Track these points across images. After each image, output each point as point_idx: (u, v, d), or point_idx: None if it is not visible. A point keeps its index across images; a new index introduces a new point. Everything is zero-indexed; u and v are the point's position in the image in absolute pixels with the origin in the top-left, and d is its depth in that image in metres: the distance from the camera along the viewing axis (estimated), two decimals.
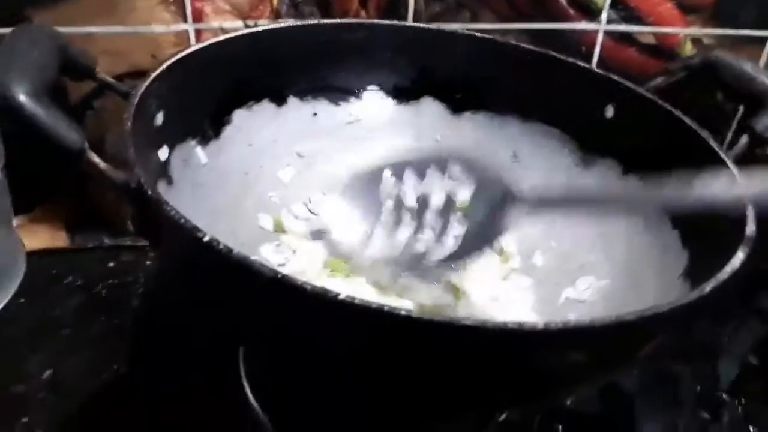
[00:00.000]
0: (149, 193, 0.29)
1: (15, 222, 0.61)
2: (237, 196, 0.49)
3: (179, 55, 0.42)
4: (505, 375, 0.28)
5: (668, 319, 0.27)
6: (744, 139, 0.42)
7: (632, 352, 0.30)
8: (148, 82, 0.39)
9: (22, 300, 0.53)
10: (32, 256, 0.57)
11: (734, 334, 0.56)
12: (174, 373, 0.48)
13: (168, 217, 0.28)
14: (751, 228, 0.33)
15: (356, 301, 0.25)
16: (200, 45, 0.45)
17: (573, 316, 0.44)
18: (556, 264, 0.49)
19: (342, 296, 0.25)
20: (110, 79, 0.39)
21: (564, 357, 0.27)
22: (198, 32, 0.60)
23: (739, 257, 0.31)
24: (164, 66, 0.41)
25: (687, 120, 0.44)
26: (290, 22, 0.55)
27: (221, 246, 0.27)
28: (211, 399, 0.45)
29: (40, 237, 0.62)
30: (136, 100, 0.36)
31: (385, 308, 0.25)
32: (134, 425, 0.45)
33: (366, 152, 0.56)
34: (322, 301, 0.25)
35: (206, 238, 0.27)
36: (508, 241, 0.51)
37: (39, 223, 0.64)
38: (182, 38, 0.59)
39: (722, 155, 0.40)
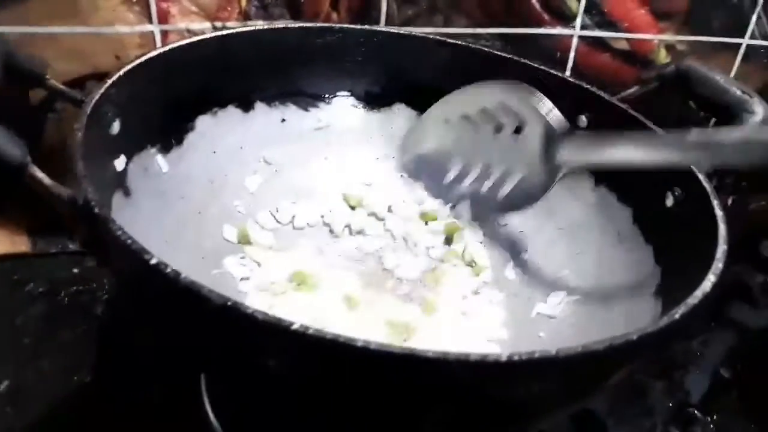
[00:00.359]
0: (96, 210, 0.28)
1: None
2: (201, 206, 0.47)
3: (137, 61, 0.40)
4: (468, 405, 0.26)
5: (638, 346, 0.26)
6: None
7: (601, 380, 0.29)
8: (103, 89, 0.37)
9: None
10: None
11: (706, 346, 0.55)
12: (138, 384, 0.46)
13: (114, 237, 0.27)
14: (722, 249, 0.32)
15: (310, 332, 0.23)
16: (160, 49, 0.43)
17: (544, 334, 0.43)
18: (529, 277, 0.48)
19: (295, 326, 0.23)
20: (61, 86, 0.37)
21: (529, 387, 0.26)
22: (164, 33, 0.58)
23: (710, 280, 0.30)
24: (121, 72, 0.39)
25: (660, 132, 0.43)
26: (257, 25, 0.53)
27: (168, 270, 0.25)
28: (171, 417, 0.44)
29: (1, 241, 0.60)
30: (89, 108, 0.35)
31: (341, 339, 0.23)
32: None
33: (335, 159, 0.55)
34: (274, 331, 0.24)
35: (153, 261, 0.25)
36: (480, 252, 0.51)
37: None
38: (147, 39, 0.57)
39: (694, 170, 0.40)
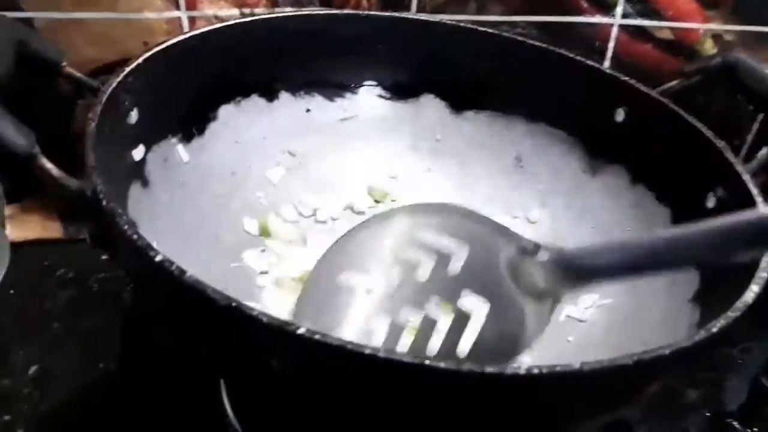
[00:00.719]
0: (104, 203, 0.27)
1: (7, 211, 0.60)
2: (222, 197, 0.46)
3: (156, 49, 0.39)
4: (483, 416, 0.25)
5: (670, 362, 0.24)
6: (764, 151, 0.39)
7: (631, 395, 0.27)
8: (120, 77, 0.36)
9: (12, 291, 0.51)
10: (23, 246, 0.55)
11: (747, 353, 0.52)
12: (160, 376, 0.46)
13: (121, 231, 0.26)
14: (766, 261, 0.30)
15: (316, 337, 0.22)
16: (180, 37, 0.42)
17: (572, 338, 0.41)
18: None
19: (302, 330, 0.22)
20: (78, 75, 0.36)
21: (550, 401, 0.24)
22: (192, 20, 0.57)
23: (753, 291, 0.28)
24: (139, 60, 0.38)
25: (702, 128, 0.41)
26: (282, 12, 0.52)
27: (173, 267, 0.24)
28: (191, 411, 0.43)
29: (33, 227, 0.61)
30: (105, 98, 0.34)
31: (349, 346, 0.22)
32: (117, 427, 0.43)
33: (361, 151, 0.53)
34: (279, 334, 0.23)
35: (158, 258, 0.24)
36: None
37: (31, 213, 0.62)
38: (175, 25, 0.57)
39: (738, 169, 0.37)
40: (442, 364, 0.22)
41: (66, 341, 0.48)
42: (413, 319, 0.35)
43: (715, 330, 0.26)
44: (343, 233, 0.40)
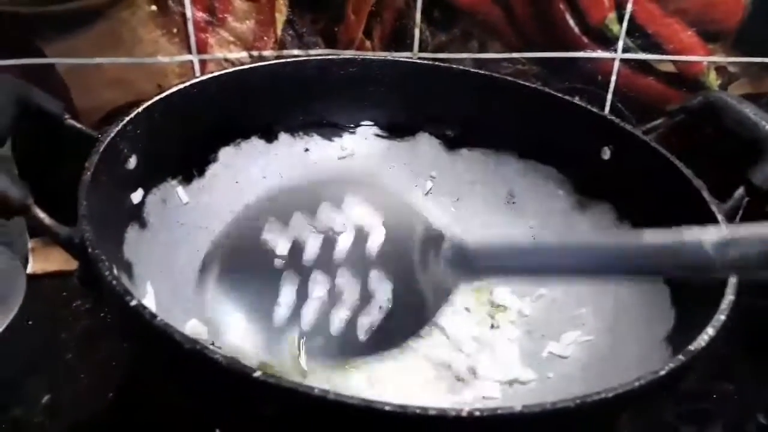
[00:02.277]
0: (90, 250, 0.29)
1: (30, 245, 0.62)
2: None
3: (156, 98, 0.42)
4: None
5: (615, 405, 0.25)
6: (740, 191, 0.39)
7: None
8: (119, 127, 0.39)
9: (30, 322, 0.53)
10: (44, 278, 0.57)
11: (744, 389, 0.51)
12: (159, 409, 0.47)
13: (102, 276, 0.28)
14: (728, 299, 0.31)
15: (271, 380, 0.24)
16: (181, 85, 0.44)
17: (553, 375, 0.42)
18: (545, 314, 0.47)
19: (257, 374, 0.24)
20: (79, 126, 0.39)
21: None
22: (203, 63, 0.60)
23: (708, 334, 0.29)
24: (139, 109, 0.40)
25: (682, 167, 0.41)
26: (279, 58, 0.54)
27: (146, 312, 0.26)
28: None
29: (54, 259, 0.63)
30: (102, 147, 0.36)
31: (300, 388, 0.23)
32: None
33: (358, 188, 0.55)
34: (238, 377, 0.24)
35: (133, 303, 0.26)
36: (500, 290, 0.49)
37: (53, 246, 0.64)
38: (186, 68, 0.59)
39: (713, 208, 0.38)
40: (386, 407, 0.23)
41: (79, 371, 0.50)
42: (321, 288, 0.37)
43: (662, 373, 0.26)
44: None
